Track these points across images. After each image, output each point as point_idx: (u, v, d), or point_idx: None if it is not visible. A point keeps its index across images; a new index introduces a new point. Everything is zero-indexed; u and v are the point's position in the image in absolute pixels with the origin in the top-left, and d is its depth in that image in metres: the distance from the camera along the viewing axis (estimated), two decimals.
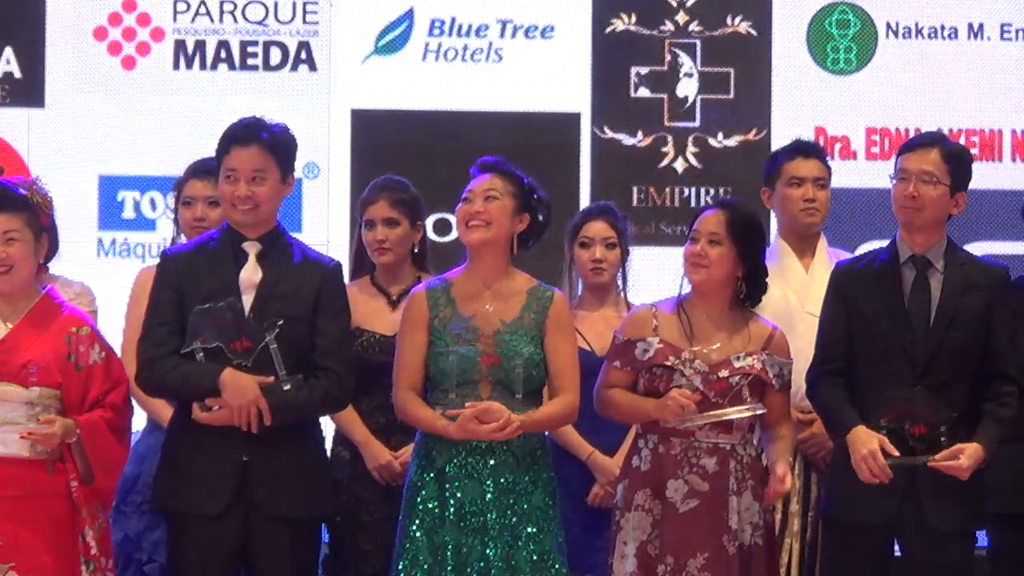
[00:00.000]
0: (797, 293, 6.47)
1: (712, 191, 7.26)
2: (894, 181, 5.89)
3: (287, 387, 5.57)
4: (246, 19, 7.81)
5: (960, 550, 5.84)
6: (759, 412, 5.68)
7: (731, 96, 7.89)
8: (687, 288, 5.94)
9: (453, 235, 5.99)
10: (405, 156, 7.16)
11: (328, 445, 6.28)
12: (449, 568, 5.64)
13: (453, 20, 7.87)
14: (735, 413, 5.69)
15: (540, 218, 5.87)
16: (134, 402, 5.94)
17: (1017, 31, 7.94)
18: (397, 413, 5.79)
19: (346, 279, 6.26)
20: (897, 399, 5.67)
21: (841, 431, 5.75)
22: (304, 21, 7.84)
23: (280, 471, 5.67)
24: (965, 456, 5.60)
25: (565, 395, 5.70)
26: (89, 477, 5.61)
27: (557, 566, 5.70)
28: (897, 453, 5.60)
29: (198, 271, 5.73)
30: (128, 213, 7.74)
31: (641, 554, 5.69)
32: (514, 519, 5.65)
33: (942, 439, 5.63)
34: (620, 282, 6.55)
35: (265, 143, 5.71)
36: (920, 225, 5.81)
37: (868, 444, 5.58)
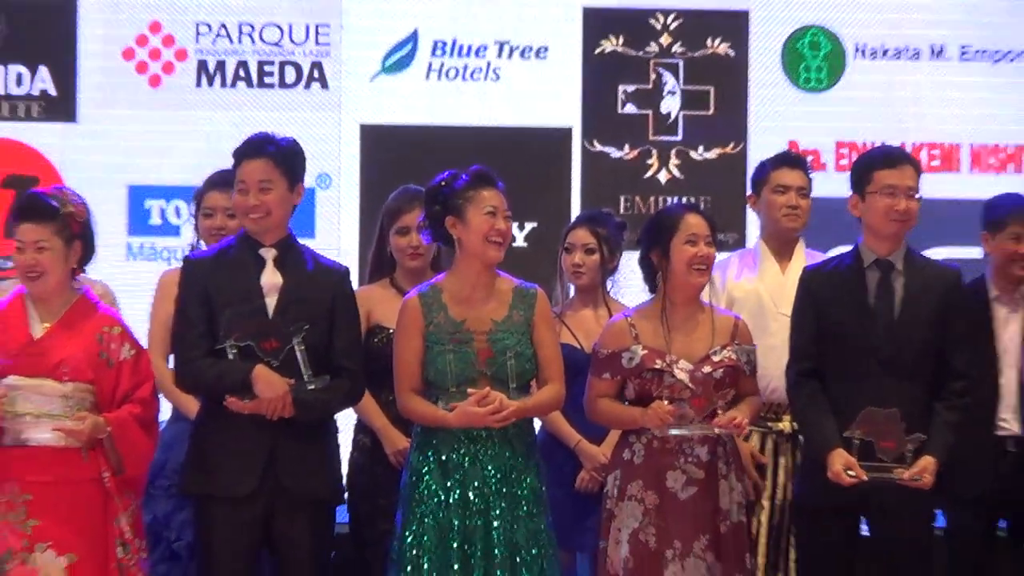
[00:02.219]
0: (771, 293, 6.51)
1: (693, 200, 7.26)
2: (872, 196, 5.88)
3: (312, 386, 5.63)
4: (263, 40, 7.85)
5: (921, 528, 5.91)
6: (723, 432, 5.72)
7: (711, 112, 7.93)
8: (642, 295, 5.97)
9: None
10: (410, 168, 7.10)
11: (350, 434, 6.31)
12: (455, 546, 5.64)
13: (454, 41, 7.90)
14: (704, 430, 5.71)
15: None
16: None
17: (976, 52, 7.98)
18: (401, 413, 5.84)
19: (355, 280, 6.24)
20: (874, 417, 5.71)
21: (820, 450, 5.79)
22: (316, 42, 7.88)
23: (303, 458, 5.74)
24: (928, 473, 5.66)
25: (552, 384, 5.74)
26: (120, 468, 5.66)
27: (549, 542, 5.73)
28: (866, 477, 5.66)
29: (222, 275, 5.79)
30: (155, 220, 7.78)
31: (633, 540, 5.71)
32: (513, 501, 5.68)
33: (907, 455, 5.67)
34: (609, 283, 6.54)
35: (271, 155, 5.76)
36: (902, 235, 5.88)
37: (843, 472, 5.67)
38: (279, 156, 5.78)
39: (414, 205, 6.32)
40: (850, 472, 5.67)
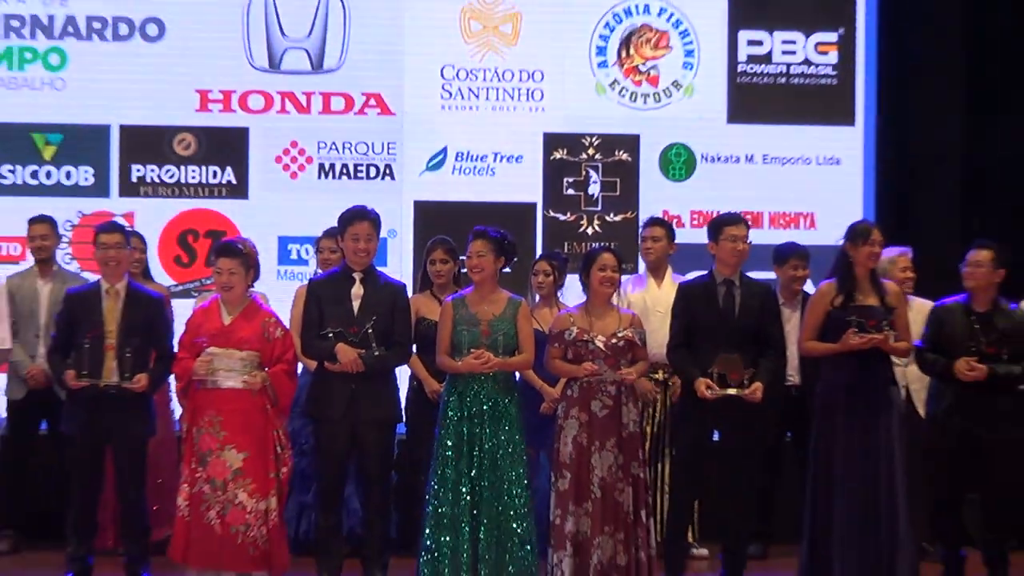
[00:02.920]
0: (651, 300, 6.51)
1: (608, 244, 7.00)
2: (722, 242, 5.87)
3: (376, 354, 5.67)
4: (356, 152, 7.71)
5: (749, 434, 5.86)
6: (627, 378, 5.72)
7: (617, 194, 7.79)
8: (571, 301, 6.04)
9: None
10: (442, 226, 7.05)
11: (407, 380, 6.34)
12: (464, 445, 5.69)
13: (468, 152, 7.78)
14: (618, 377, 5.70)
15: (511, 253, 5.92)
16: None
17: (772, 158, 7.84)
18: (437, 366, 5.89)
19: (410, 292, 6.26)
20: (725, 359, 5.74)
21: (691, 380, 5.79)
22: (388, 152, 7.75)
23: (371, 396, 5.74)
24: (759, 391, 5.71)
25: (524, 354, 5.80)
26: (275, 401, 5.73)
27: (520, 447, 5.76)
28: (720, 392, 5.69)
29: (329, 289, 5.82)
30: (293, 256, 7.67)
31: (574, 442, 5.71)
32: (499, 420, 5.72)
33: (745, 382, 5.71)
34: (559, 293, 6.58)
35: (372, 220, 5.80)
36: (739, 265, 5.90)
37: (705, 390, 5.71)
38: (376, 221, 5.84)
39: (440, 247, 6.42)
40: (710, 389, 5.69)
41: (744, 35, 7.79)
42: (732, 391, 5.70)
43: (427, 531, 5.73)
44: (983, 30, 7.83)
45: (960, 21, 7.89)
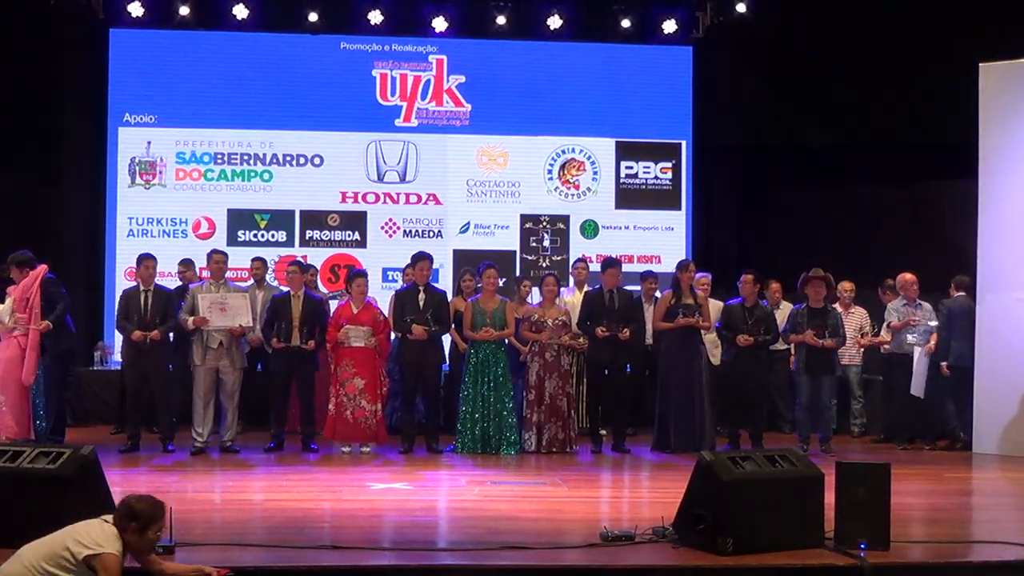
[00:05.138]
0: (576, 300, 6.32)
1: (552, 271, 6.83)
2: (607, 273, 5.79)
3: (433, 329, 5.66)
4: (422, 223, 7.52)
5: (621, 369, 5.80)
6: (563, 341, 5.70)
7: (558, 245, 7.61)
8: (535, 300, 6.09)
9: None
10: (467, 263, 6.82)
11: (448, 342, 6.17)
12: (479, 374, 5.62)
13: (480, 223, 7.56)
14: (558, 341, 5.68)
15: (500, 275, 5.94)
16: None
17: (638, 227, 7.69)
18: (465, 335, 5.77)
19: (450, 296, 6.09)
20: (609, 318, 5.65)
21: (592, 330, 5.67)
22: (439, 224, 7.52)
23: (429, 350, 5.70)
24: (628, 334, 5.63)
25: (509, 329, 5.76)
26: (380, 354, 5.71)
27: (508, 376, 5.71)
28: (608, 333, 5.57)
29: (407, 296, 5.75)
30: (390, 278, 7.33)
31: (536, 374, 5.69)
32: (497, 363, 5.71)
33: (621, 329, 5.63)
34: (529, 299, 6.47)
35: (430, 259, 5.82)
36: (617, 282, 5.80)
37: (599, 333, 5.61)
38: (431, 259, 5.86)
39: (465, 273, 6.33)
40: (601, 331, 5.63)
41: (623, 163, 7.79)
42: (612, 335, 5.67)
43: (459, 420, 5.73)
44: (750, 178, 7.97)
45: (737, 169, 8.00)
